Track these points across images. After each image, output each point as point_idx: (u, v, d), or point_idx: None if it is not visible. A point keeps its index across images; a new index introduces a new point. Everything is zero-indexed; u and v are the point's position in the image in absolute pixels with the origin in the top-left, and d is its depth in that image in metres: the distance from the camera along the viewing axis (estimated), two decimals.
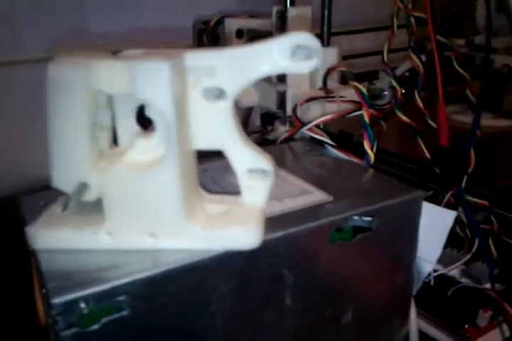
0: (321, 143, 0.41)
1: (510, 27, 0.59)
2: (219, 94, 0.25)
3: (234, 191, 0.28)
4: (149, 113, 0.24)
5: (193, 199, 0.25)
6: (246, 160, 0.26)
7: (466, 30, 0.76)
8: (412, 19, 0.45)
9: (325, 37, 0.51)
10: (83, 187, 0.23)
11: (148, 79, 0.22)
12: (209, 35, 0.55)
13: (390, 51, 0.50)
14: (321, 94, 0.47)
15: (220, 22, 0.55)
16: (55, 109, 0.22)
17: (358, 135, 0.50)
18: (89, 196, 0.23)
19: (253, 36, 0.53)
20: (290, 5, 0.47)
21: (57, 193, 0.30)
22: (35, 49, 0.61)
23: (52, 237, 0.24)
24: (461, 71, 0.47)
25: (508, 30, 0.63)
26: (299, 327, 0.29)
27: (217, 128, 0.25)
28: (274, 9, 0.48)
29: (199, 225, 0.24)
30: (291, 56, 0.24)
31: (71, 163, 0.23)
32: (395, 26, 0.45)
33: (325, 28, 0.50)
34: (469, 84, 0.46)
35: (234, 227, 0.24)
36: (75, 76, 0.22)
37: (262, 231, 0.25)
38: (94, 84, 0.22)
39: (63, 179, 0.23)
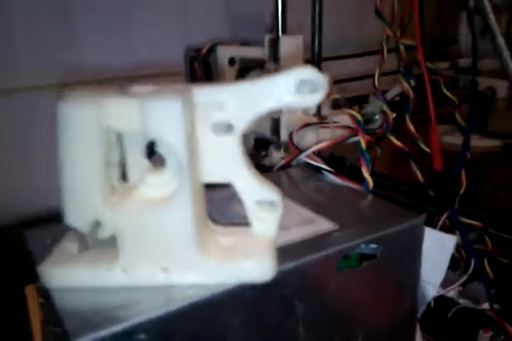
0: (319, 169, 0.41)
1: (494, 49, 0.61)
2: (227, 128, 0.25)
3: (240, 221, 0.28)
4: (160, 149, 0.24)
5: (205, 232, 0.25)
6: (254, 192, 0.26)
7: (450, 53, 0.78)
8: (402, 46, 0.46)
9: (316, 64, 0.52)
10: (97, 224, 0.23)
11: (160, 115, 0.22)
12: (201, 62, 0.56)
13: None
14: (315, 120, 0.48)
15: (211, 49, 0.56)
16: (66, 147, 0.23)
17: (351, 159, 0.51)
18: (103, 233, 0.23)
19: (245, 64, 0.54)
20: (282, 33, 0.48)
21: (63, 227, 0.30)
22: (29, 76, 0.61)
23: (66, 275, 0.24)
24: (449, 94, 0.48)
25: (492, 53, 0.65)
26: None
27: (226, 162, 0.25)
28: (267, 38, 0.49)
29: (213, 259, 0.24)
30: (297, 91, 0.25)
31: (84, 200, 0.23)
32: (385, 52, 0.47)
33: (316, 55, 0.51)
34: (458, 107, 0.47)
35: (247, 260, 0.25)
36: (87, 114, 0.22)
37: (275, 263, 0.25)
38: (106, 122, 0.23)
39: (77, 217, 0.23)
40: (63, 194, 0.23)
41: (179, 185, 0.24)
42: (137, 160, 0.25)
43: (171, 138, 0.23)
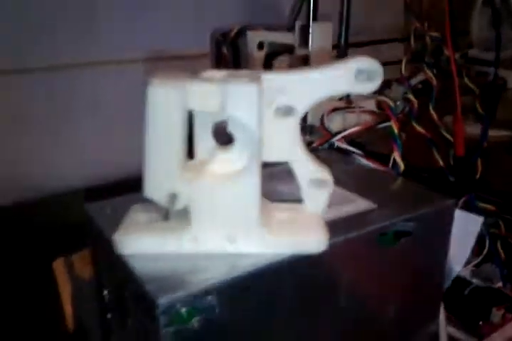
0: (346, 152, 0.43)
1: None
2: (289, 111, 0.27)
3: (284, 198, 0.30)
4: (232, 128, 0.26)
5: (265, 207, 0.28)
6: (309, 171, 0.28)
7: (460, 43, 0.80)
8: (428, 37, 0.49)
9: (343, 50, 0.54)
10: (173, 197, 0.25)
11: (239, 98, 0.24)
12: (229, 45, 0.57)
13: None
14: (341, 104, 0.50)
15: (238, 33, 0.58)
16: (153, 127, 0.25)
17: (368, 144, 0.53)
18: (178, 205, 0.26)
19: (272, 48, 0.56)
20: (313, 20, 0.50)
21: (119, 201, 0.32)
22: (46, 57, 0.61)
23: (140, 243, 0.26)
24: (471, 84, 0.50)
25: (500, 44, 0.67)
26: (349, 328, 0.32)
27: (285, 142, 0.28)
28: (297, 24, 0.51)
29: (273, 231, 0.27)
30: (355, 79, 0.27)
31: (163, 176, 0.25)
32: (413, 42, 0.49)
33: (342, 41, 0.53)
34: (478, 97, 0.49)
35: (302, 233, 0.27)
36: (173, 97, 0.24)
37: (327, 236, 0.28)
38: (188, 104, 0.25)
39: (156, 190, 0.26)
40: (146, 169, 0.25)
41: (249, 162, 0.26)
42: (206, 139, 0.27)
43: (246, 119, 0.25)
